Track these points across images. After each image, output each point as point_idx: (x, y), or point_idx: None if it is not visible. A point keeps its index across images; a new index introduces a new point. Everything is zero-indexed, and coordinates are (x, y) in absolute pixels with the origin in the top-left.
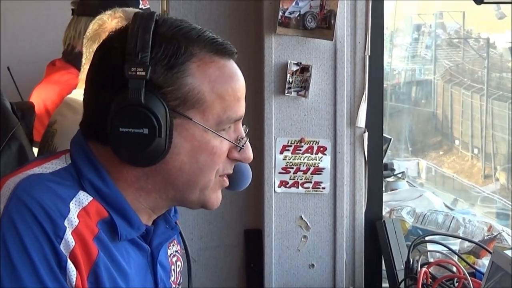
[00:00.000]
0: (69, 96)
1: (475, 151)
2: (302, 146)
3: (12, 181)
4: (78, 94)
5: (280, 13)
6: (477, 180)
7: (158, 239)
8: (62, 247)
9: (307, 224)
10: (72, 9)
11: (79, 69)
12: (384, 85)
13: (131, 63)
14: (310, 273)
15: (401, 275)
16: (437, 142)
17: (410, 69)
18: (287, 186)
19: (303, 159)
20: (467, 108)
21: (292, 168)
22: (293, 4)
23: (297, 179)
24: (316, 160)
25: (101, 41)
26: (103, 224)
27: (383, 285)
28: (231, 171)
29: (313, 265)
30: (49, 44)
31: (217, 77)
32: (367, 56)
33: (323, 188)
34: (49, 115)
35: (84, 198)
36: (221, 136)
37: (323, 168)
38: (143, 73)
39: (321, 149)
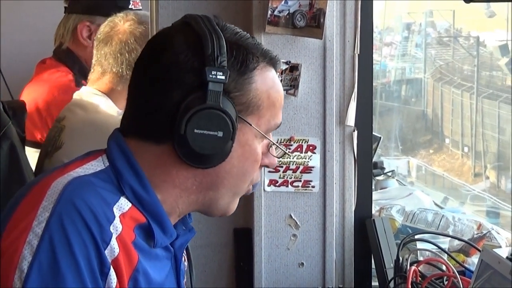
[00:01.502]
0: (78, 92)
1: (465, 149)
2: (291, 145)
3: (59, 182)
4: (88, 92)
5: (269, 12)
6: (467, 178)
7: (179, 241)
8: (107, 253)
9: (296, 222)
10: (65, 7)
11: (69, 67)
12: (374, 84)
13: (211, 67)
14: (299, 271)
15: (390, 274)
16: (427, 140)
17: (400, 68)
18: (277, 185)
19: (293, 158)
20: (457, 107)
21: (282, 166)
22: (282, 2)
23: (287, 177)
24: (305, 158)
25: (113, 43)
26: (139, 229)
27: (373, 283)
28: (259, 179)
29: (302, 263)
30: (40, 42)
31: (272, 85)
32: (357, 55)
33: (313, 186)
34: (39, 113)
35: (124, 204)
36: (271, 141)
37: (313, 167)
38: (223, 77)
39: (311, 147)
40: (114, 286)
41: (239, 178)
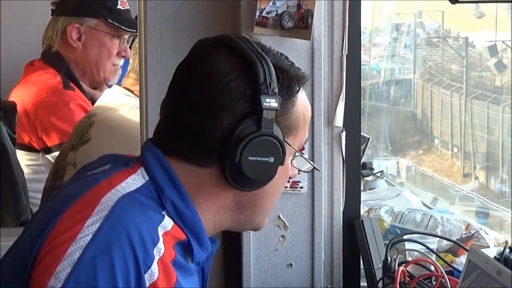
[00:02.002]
0: (109, 90)
1: (455, 150)
2: None
3: (109, 198)
4: (120, 92)
5: (257, 13)
6: (456, 178)
7: (205, 253)
8: (146, 277)
9: (285, 223)
10: (52, 9)
11: (57, 69)
12: (364, 85)
13: (266, 95)
14: (288, 272)
15: (379, 274)
16: (417, 141)
17: (390, 69)
18: None
19: None
20: (447, 107)
21: None
22: (270, 3)
23: None
24: None
25: None
26: (178, 246)
27: (361, 284)
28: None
29: (291, 264)
30: (28, 44)
31: (306, 105)
32: (345, 56)
33: (301, 187)
34: (27, 116)
35: (168, 223)
36: (304, 158)
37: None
38: (276, 105)
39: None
40: None
41: (275, 195)
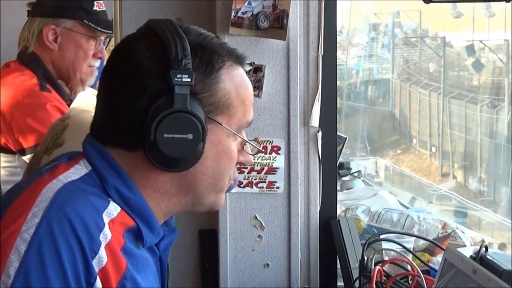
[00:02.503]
0: (83, 93)
1: (433, 149)
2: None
3: (49, 188)
4: (93, 94)
5: (233, 13)
6: (434, 178)
7: (163, 243)
8: (94, 262)
9: (261, 223)
10: (28, 11)
11: (33, 71)
12: (341, 85)
13: (176, 70)
14: (265, 272)
15: (356, 274)
16: (395, 141)
17: (368, 68)
18: (241, 186)
19: (257, 159)
20: (425, 107)
21: (246, 168)
22: (246, 4)
23: (251, 179)
24: (270, 160)
25: None
26: (128, 233)
27: (338, 283)
28: (237, 175)
29: (268, 264)
30: (5, 45)
31: (240, 83)
32: (320, 56)
33: (277, 187)
34: (4, 118)
35: (113, 209)
36: (243, 139)
37: (277, 168)
38: (189, 80)
39: (275, 148)
40: None
41: (216, 177)
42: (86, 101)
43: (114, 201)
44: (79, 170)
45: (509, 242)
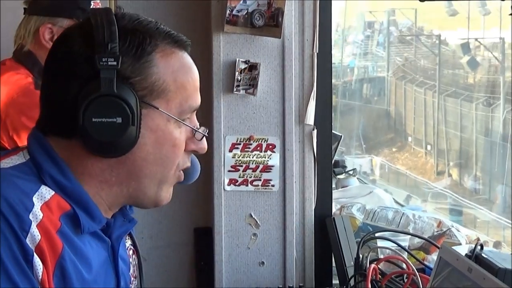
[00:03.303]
0: None
1: (428, 147)
2: (251, 144)
3: None
4: None
5: (228, 11)
6: (430, 176)
7: (117, 231)
8: (28, 241)
9: (256, 222)
10: (24, 8)
11: (29, 69)
12: (337, 83)
13: (101, 54)
14: (260, 270)
15: (351, 272)
16: (390, 139)
17: (363, 66)
18: (237, 184)
19: (252, 157)
20: (420, 105)
21: (242, 166)
22: (241, 2)
23: (247, 177)
24: (265, 157)
25: None
26: (65, 217)
27: (333, 281)
28: (189, 164)
29: (263, 262)
30: (3, 43)
31: (179, 68)
32: (315, 54)
33: (273, 185)
34: None
35: (46, 192)
36: (185, 124)
37: (272, 166)
38: (114, 63)
39: (270, 146)
40: (41, 272)
41: (159, 164)
42: None
43: (48, 186)
44: (14, 160)
45: (504, 240)
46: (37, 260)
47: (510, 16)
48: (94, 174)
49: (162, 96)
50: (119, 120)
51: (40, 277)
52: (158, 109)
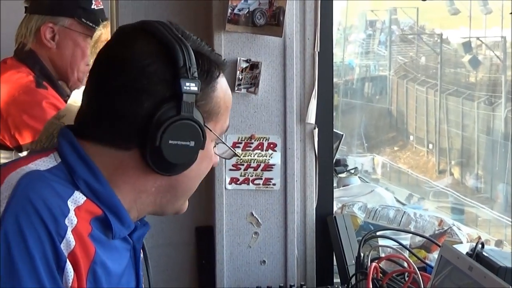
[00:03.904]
0: (78, 91)
1: (430, 146)
2: (252, 143)
3: (12, 177)
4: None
5: (229, 10)
6: (431, 175)
7: (137, 233)
8: (62, 246)
9: (258, 220)
10: (26, 7)
11: (30, 68)
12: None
13: (185, 78)
14: (261, 269)
15: (352, 271)
16: (392, 137)
17: (365, 65)
18: (238, 183)
19: (254, 156)
20: (422, 104)
21: (243, 164)
22: (242, 1)
23: (248, 175)
24: (266, 156)
25: (96, 51)
26: (96, 222)
27: (335, 280)
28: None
29: (264, 261)
30: (3, 42)
31: (226, 90)
32: (317, 52)
33: (274, 184)
34: (0, 114)
35: (79, 197)
36: (225, 144)
37: (274, 165)
38: (195, 88)
39: (271, 145)
40: (71, 279)
41: (196, 180)
42: (79, 99)
43: (81, 191)
44: (46, 162)
45: (506, 238)
46: (69, 267)
47: (511, 15)
48: (136, 185)
49: (214, 118)
50: (191, 143)
51: (70, 285)
52: (211, 131)
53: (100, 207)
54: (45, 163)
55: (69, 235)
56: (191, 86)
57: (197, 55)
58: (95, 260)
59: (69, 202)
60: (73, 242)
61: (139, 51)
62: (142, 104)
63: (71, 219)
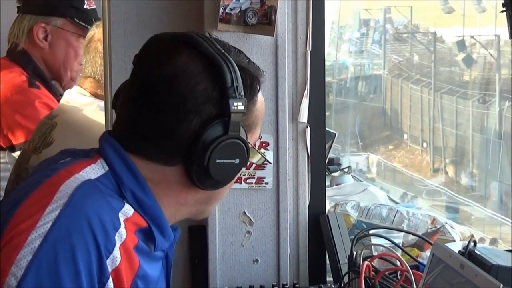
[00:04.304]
0: (70, 91)
1: (424, 145)
2: None
3: (68, 185)
4: (78, 92)
5: (221, 9)
6: (426, 173)
7: (168, 242)
8: (108, 262)
9: (250, 219)
10: (18, 7)
11: (23, 68)
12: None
13: (233, 98)
14: (254, 268)
15: (344, 269)
16: (386, 136)
17: (359, 64)
18: None
19: None
20: (416, 103)
21: None
22: (234, 0)
23: (240, 174)
24: None
25: (90, 50)
26: (140, 233)
27: (327, 279)
28: None
29: (257, 260)
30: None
31: (262, 101)
32: (309, 52)
33: (266, 183)
34: None
35: (128, 209)
36: (259, 152)
37: (266, 164)
38: (242, 108)
39: (264, 144)
40: None
41: (228, 188)
42: (71, 99)
43: (128, 202)
44: (95, 170)
45: (501, 237)
46: (110, 283)
47: (502, 13)
48: (178, 198)
49: (252, 130)
50: (237, 161)
51: None
52: (249, 143)
53: (145, 219)
54: (94, 171)
55: (116, 251)
56: (239, 106)
57: (240, 71)
58: (138, 273)
59: (120, 214)
60: (118, 259)
61: (186, 68)
62: (190, 123)
63: (121, 233)
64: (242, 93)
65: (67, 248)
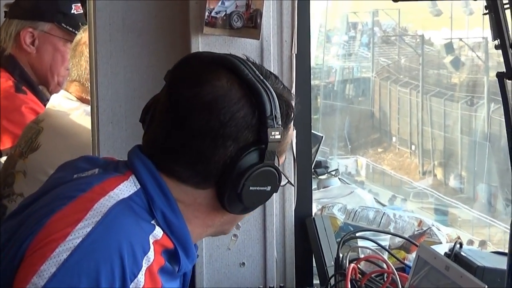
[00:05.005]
0: (56, 96)
1: (413, 147)
2: None
3: (102, 204)
4: (65, 97)
5: (207, 13)
6: (414, 176)
7: (191, 264)
8: (132, 286)
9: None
10: (5, 12)
11: (10, 73)
12: (320, 83)
13: (272, 128)
14: (241, 271)
15: (331, 272)
16: (375, 139)
17: (347, 67)
18: None
19: None
20: (405, 105)
21: None
22: (219, 3)
23: None
24: None
25: (76, 54)
26: (166, 254)
27: (314, 281)
28: None
29: (243, 263)
30: None
31: (292, 126)
32: (294, 55)
33: None
34: None
35: (158, 232)
36: (285, 176)
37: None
38: (279, 137)
39: None
40: None
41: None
42: (57, 103)
43: (158, 223)
44: (128, 187)
45: (490, 239)
46: None
47: (485, 15)
48: (206, 220)
49: (282, 155)
50: (268, 188)
51: None
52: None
53: (172, 240)
54: (127, 189)
55: (141, 275)
56: (276, 135)
57: (278, 99)
58: None
59: (150, 237)
60: (142, 283)
61: (226, 95)
62: (227, 149)
63: (149, 257)
64: (280, 122)
65: (91, 266)
